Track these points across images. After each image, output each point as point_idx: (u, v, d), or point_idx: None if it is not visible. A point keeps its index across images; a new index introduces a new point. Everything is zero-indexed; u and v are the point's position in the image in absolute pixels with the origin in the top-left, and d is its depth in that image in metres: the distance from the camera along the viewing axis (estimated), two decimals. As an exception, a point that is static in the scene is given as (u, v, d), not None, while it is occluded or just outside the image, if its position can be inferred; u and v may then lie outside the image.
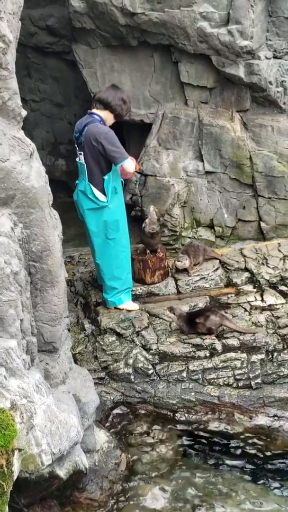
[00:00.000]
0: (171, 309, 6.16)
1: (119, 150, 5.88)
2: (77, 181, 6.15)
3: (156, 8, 7.02)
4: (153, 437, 5.44)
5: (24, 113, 4.24)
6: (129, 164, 5.95)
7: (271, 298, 6.53)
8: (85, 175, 5.98)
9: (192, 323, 6.09)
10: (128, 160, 5.93)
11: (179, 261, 6.81)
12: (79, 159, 6.03)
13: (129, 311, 6.44)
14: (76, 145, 6.07)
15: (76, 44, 7.87)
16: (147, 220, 6.73)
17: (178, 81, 7.55)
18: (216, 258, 7.09)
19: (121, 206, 6.21)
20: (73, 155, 6.23)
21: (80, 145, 5.98)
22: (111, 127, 6.06)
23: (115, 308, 6.46)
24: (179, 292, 6.77)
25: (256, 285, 6.77)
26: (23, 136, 4.13)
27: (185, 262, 6.80)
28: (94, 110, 6.06)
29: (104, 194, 6.00)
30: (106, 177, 5.97)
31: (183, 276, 6.89)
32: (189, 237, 7.58)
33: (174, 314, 6.13)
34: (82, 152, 5.98)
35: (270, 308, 6.42)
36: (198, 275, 6.88)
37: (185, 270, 6.88)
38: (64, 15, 8.22)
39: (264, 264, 6.95)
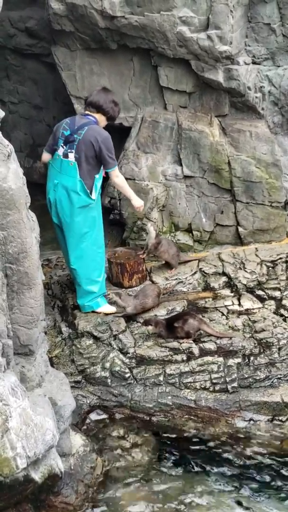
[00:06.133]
0: (146, 322, 6.14)
1: (113, 156, 6.14)
2: (56, 181, 6.12)
3: (136, 12, 7.02)
4: (129, 441, 5.43)
5: (2, 114, 4.22)
6: (116, 174, 6.26)
7: (248, 302, 6.56)
8: (76, 173, 6.02)
9: (170, 327, 6.09)
10: (116, 167, 6.21)
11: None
12: (67, 157, 6.05)
13: (107, 314, 6.43)
14: (62, 143, 6.09)
15: (56, 47, 7.85)
16: (147, 237, 6.95)
17: (157, 85, 7.55)
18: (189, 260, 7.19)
19: (100, 206, 6.33)
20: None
21: (72, 143, 6.02)
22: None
23: (93, 311, 6.45)
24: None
25: (234, 290, 6.79)
26: (0, 137, 4.10)
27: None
28: (87, 112, 6.22)
29: (90, 192, 6.08)
30: (97, 176, 6.11)
31: (161, 280, 6.90)
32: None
33: (151, 324, 6.11)
34: (73, 151, 6.01)
35: (247, 312, 6.44)
36: (176, 279, 6.90)
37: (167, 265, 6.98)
38: (43, 17, 8.19)
39: (241, 269, 6.98)
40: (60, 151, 6.11)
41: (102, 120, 6.27)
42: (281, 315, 6.40)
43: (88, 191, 6.06)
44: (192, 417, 5.63)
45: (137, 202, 6.60)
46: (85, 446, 5.07)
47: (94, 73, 7.74)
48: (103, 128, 6.23)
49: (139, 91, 7.67)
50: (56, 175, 6.13)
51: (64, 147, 6.08)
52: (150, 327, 6.11)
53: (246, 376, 5.79)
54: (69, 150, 6.05)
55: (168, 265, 7.05)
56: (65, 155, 6.07)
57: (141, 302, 6.34)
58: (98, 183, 6.17)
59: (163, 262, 7.11)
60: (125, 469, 5.14)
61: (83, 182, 6.02)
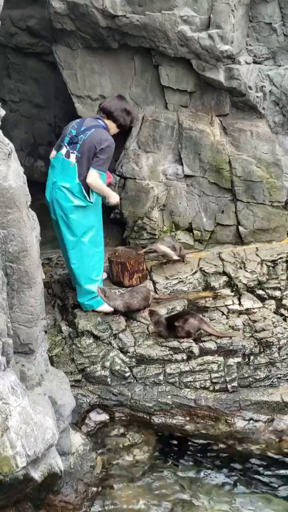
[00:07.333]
0: (151, 313, 6.14)
1: (105, 162, 6.04)
2: (54, 179, 6.13)
3: (137, 11, 7.02)
4: (129, 440, 5.43)
5: (2, 113, 4.22)
6: (95, 177, 6.02)
7: (248, 302, 6.56)
8: (75, 174, 6.02)
9: (171, 327, 6.09)
10: (102, 174, 6.05)
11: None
12: (68, 157, 6.06)
13: (107, 313, 6.43)
14: (66, 143, 6.11)
15: (57, 45, 7.84)
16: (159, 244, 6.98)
17: (158, 85, 7.55)
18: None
19: (100, 205, 6.33)
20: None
21: (76, 143, 6.04)
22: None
23: (93, 310, 6.45)
24: (157, 295, 6.77)
25: (234, 289, 6.79)
26: (1, 136, 4.11)
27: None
28: (99, 117, 6.28)
29: (88, 195, 6.07)
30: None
31: (161, 279, 6.89)
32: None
33: (152, 318, 6.11)
34: (75, 151, 6.02)
35: (247, 312, 6.44)
36: (176, 278, 6.89)
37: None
38: (44, 16, 8.18)
39: (242, 268, 6.98)
40: (63, 150, 6.12)
41: (112, 127, 6.31)
42: (281, 315, 6.40)
43: (85, 193, 6.05)
44: (192, 416, 5.63)
45: (114, 198, 6.41)
46: (85, 445, 5.08)
47: (95, 72, 7.73)
48: (112, 136, 6.23)
49: (140, 90, 7.67)
50: (55, 174, 6.13)
51: (68, 146, 6.09)
52: (150, 318, 6.11)
53: (246, 375, 5.79)
54: (71, 151, 6.06)
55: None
56: (67, 155, 6.08)
57: (126, 302, 6.33)
58: None
59: (164, 261, 7.11)
60: (124, 468, 5.14)
61: (81, 184, 6.02)
